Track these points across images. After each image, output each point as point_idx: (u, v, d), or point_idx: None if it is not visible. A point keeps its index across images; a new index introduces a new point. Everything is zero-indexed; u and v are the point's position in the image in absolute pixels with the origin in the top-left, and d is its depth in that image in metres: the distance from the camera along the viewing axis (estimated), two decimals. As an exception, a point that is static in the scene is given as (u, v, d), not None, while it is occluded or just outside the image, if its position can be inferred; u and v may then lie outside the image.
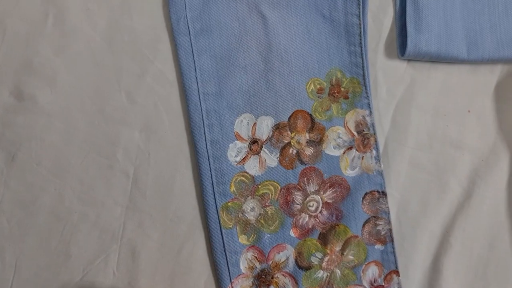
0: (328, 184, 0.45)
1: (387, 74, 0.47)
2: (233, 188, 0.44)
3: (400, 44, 0.47)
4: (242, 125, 0.45)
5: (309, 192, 0.45)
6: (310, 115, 0.46)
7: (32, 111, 0.46)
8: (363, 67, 0.46)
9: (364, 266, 0.44)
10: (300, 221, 0.44)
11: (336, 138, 0.45)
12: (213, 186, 0.44)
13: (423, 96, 0.47)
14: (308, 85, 0.46)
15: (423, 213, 0.46)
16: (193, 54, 0.46)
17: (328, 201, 0.45)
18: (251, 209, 0.44)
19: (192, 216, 0.45)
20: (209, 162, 0.44)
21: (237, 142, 0.45)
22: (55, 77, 0.46)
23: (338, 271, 0.44)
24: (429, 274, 0.45)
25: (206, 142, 0.45)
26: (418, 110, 0.47)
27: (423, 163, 0.46)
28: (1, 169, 0.45)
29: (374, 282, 0.44)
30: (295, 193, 0.45)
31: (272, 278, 0.44)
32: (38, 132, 0.46)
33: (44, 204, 0.45)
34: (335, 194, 0.45)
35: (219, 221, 0.44)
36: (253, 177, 0.45)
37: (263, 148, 0.45)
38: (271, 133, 0.45)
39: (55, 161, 0.45)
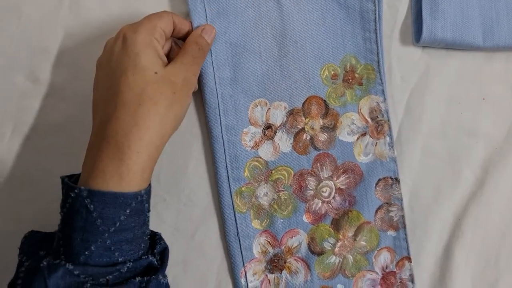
0: (341, 170, 0.45)
1: (401, 61, 0.47)
2: (247, 173, 0.44)
3: (415, 30, 0.47)
4: (256, 110, 0.45)
5: (322, 178, 0.45)
6: (324, 101, 0.45)
7: (48, 96, 0.46)
8: (377, 53, 0.46)
9: (376, 252, 0.44)
10: (313, 206, 0.45)
11: (350, 124, 0.45)
12: (227, 171, 0.44)
13: (437, 83, 0.47)
14: (322, 71, 0.46)
15: (436, 200, 0.46)
16: (209, 38, 0.45)
17: (341, 187, 0.45)
18: (264, 194, 0.45)
19: (206, 200, 0.45)
20: (223, 147, 0.44)
21: (251, 127, 0.45)
22: (71, 62, 0.46)
23: (350, 257, 0.44)
24: (441, 261, 0.45)
25: (221, 127, 0.44)
26: (432, 97, 0.47)
27: (437, 151, 0.46)
28: (18, 154, 0.45)
29: (386, 268, 0.44)
30: (309, 178, 0.45)
31: (285, 262, 0.44)
32: (54, 117, 0.46)
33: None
34: (348, 180, 0.45)
35: (233, 205, 0.44)
36: (266, 162, 0.45)
37: (277, 133, 0.45)
38: (285, 119, 0.45)
39: (71, 146, 0.46)
